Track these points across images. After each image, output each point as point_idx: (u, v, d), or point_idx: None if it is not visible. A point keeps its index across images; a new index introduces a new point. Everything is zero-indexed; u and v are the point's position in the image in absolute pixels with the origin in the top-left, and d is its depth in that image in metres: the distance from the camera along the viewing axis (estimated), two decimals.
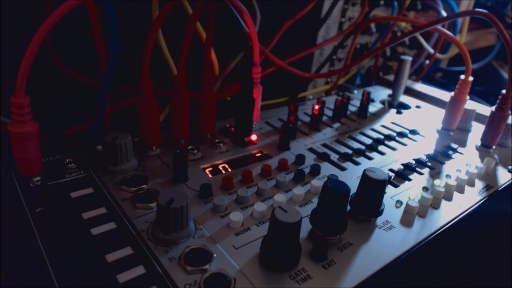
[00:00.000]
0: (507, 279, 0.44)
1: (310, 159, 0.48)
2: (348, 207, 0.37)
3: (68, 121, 0.46)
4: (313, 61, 0.78)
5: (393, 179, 0.45)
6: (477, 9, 0.49)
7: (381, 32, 0.79)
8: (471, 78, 0.56)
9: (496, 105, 0.53)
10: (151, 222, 0.34)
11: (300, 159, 0.46)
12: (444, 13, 0.78)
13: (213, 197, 0.38)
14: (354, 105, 0.66)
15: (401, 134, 0.56)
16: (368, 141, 0.54)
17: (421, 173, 0.47)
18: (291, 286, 0.29)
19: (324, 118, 0.60)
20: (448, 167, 0.49)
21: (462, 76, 0.56)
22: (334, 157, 0.48)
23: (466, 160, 0.51)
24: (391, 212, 0.39)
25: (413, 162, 0.49)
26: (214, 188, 0.40)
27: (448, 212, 0.40)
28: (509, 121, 0.55)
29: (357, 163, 0.48)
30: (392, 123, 0.61)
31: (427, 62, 0.87)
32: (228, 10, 0.47)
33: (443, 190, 0.42)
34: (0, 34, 0.44)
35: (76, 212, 0.34)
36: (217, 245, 0.32)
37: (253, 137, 0.51)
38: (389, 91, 0.75)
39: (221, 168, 0.44)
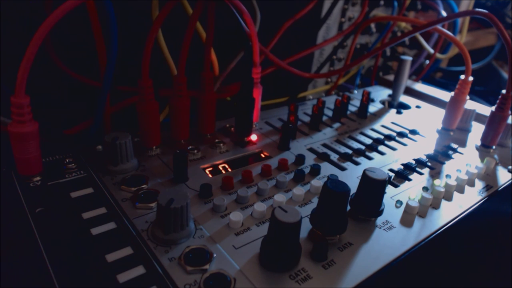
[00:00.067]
0: (507, 279, 0.44)
1: (310, 159, 0.48)
2: (348, 207, 0.37)
3: (68, 121, 0.46)
4: (313, 61, 0.78)
5: (393, 179, 0.45)
6: (477, 9, 0.49)
7: (381, 32, 0.79)
8: (471, 78, 0.56)
9: (496, 105, 0.53)
10: (151, 222, 0.34)
11: (300, 159, 0.46)
12: (444, 13, 0.78)
13: (213, 197, 0.38)
14: (354, 105, 0.66)
15: (401, 134, 0.56)
16: (368, 141, 0.54)
17: (421, 173, 0.47)
18: (291, 286, 0.29)
19: (324, 118, 0.60)
20: (448, 167, 0.49)
21: (462, 76, 0.56)
22: (334, 157, 0.48)
23: (466, 160, 0.51)
24: (391, 212, 0.39)
25: (413, 162, 0.49)
26: (214, 188, 0.40)
27: (448, 212, 0.40)
28: (509, 121, 0.55)
29: (357, 163, 0.48)
30: (392, 123, 0.61)
31: (427, 62, 0.87)
32: (228, 10, 0.47)
33: (443, 190, 0.42)
34: (0, 34, 0.44)
35: (76, 212, 0.34)
36: (217, 245, 0.32)
37: (253, 137, 0.51)
38: (389, 91, 0.75)
39: (221, 168, 0.44)
